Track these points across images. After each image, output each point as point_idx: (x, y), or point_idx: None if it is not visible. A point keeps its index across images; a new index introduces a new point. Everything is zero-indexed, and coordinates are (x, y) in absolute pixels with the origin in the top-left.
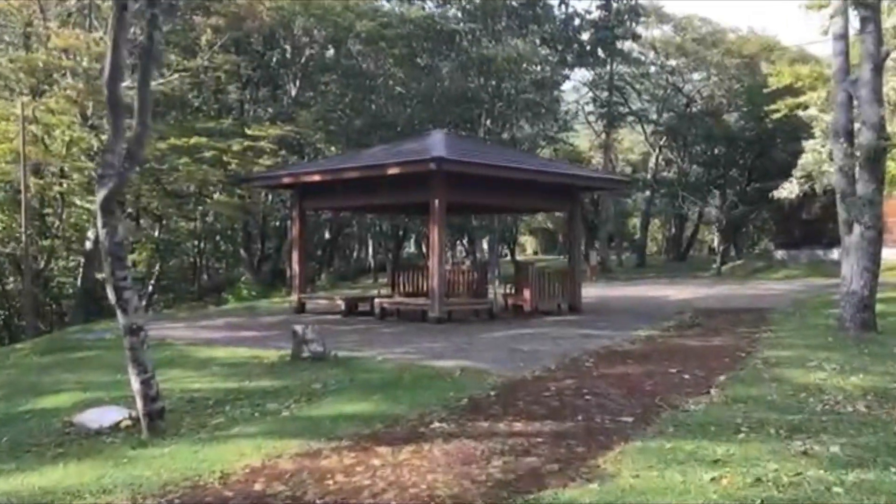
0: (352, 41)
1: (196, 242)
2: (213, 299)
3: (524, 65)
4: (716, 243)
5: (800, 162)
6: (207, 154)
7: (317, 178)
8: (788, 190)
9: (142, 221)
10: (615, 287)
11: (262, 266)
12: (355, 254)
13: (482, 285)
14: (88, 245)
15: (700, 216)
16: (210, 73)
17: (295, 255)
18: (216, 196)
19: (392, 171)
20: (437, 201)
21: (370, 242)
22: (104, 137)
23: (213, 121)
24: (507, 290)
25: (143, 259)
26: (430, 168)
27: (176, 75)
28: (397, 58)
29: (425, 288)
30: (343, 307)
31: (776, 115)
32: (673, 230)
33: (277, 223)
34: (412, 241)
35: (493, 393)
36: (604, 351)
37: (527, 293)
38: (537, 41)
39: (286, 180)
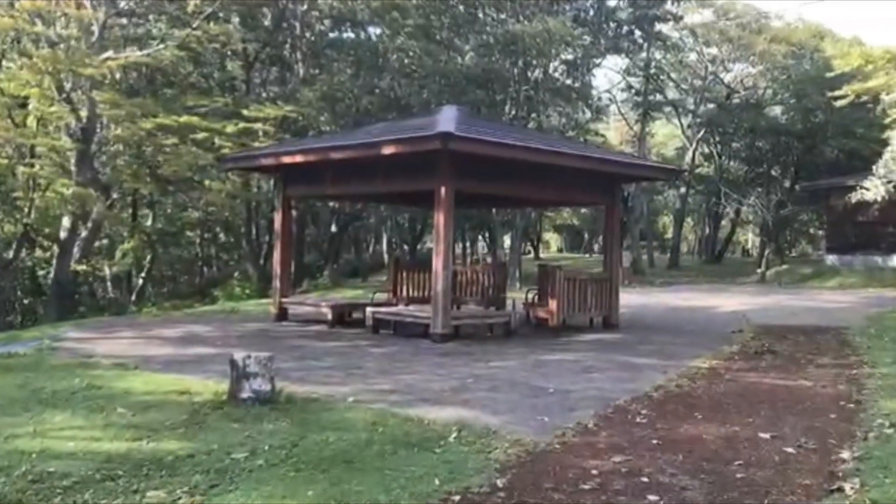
0: (361, 8)
1: (199, 232)
2: (210, 296)
3: (554, 45)
4: (752, 245)
5: (884, 156)
6: (199, 135)
7: (299, 158)
8: (872, 192)
9: (128, 209)
10: (652, 293)
11: (267, 260)
12: (370, 248)
13: (500, 290)
14: (63, 234)
15: (737, 215)
16: (207, 46)
17: (276, 254)
18: (207, 183)
19: (388, 150)
20: (443, 189)
21: (384, 236)
22: (84, 113)
23: (206, 98)
24: (530, 299)
25: (129, 249)
26: (435, 147)
27: (162, 45)
28: (412, 30)
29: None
30: (329, 316)
31: (841, 102)
32: (707, 230)
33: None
34: (433, 234)
35: (500, 483)
36: (659, 395)
37: (553, 304)
38: (568, 23)
39: (265, 162)
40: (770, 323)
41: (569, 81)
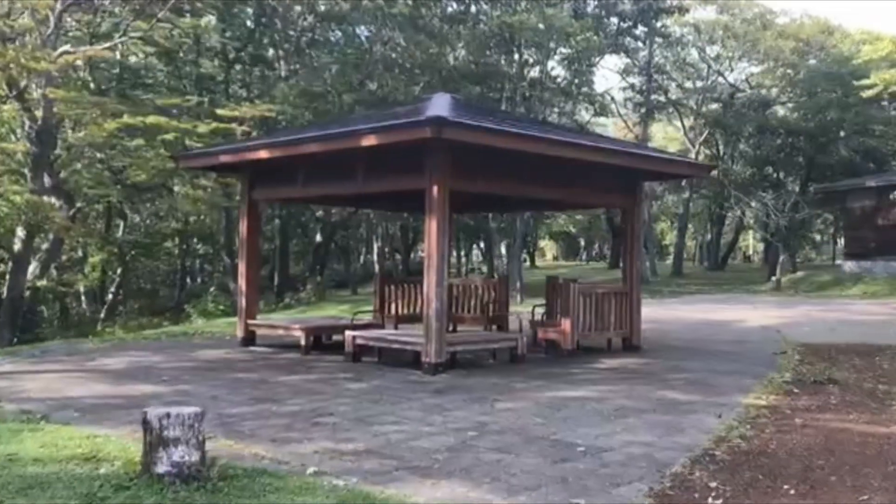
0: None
1: (177, 242)
2: (182, 313)
3: (554, 37)
4: (753, 251)
5: None
6: (168, 136)
7: (264, 154)
8: None
9: (102, 219)
10: (664, 305)
11: None
12: (361, 257)
13: (502, 307)
14: (17, 246)
15: (741, 220)
16: (179, 42)
17: (241, 266)
18: (177, 189)
19: (369, 141)
20: (435, 189)
21: (375, 243)
22: (39, 113)
23: (178, 97)
24: (537, 317)
25: (97, 262)
26: (425, 136)
27: (125, 37)
28: (400, 19)
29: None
30: (303, 341)
31: (868, 93)
32: (710, 236)
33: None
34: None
35: None
36: (724, 453)
37: (566, 324)
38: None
39: (225, 159)
40: (810, 341)
41: (569, 77)
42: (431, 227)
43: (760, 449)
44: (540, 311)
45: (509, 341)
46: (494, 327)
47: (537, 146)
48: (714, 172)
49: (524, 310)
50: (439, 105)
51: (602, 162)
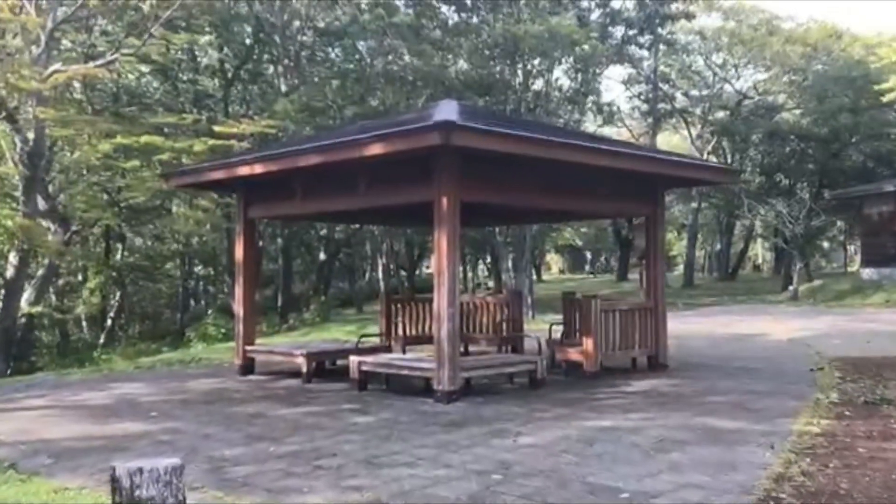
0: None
1: (178, 264)
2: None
3: (559, 46)
4: (762, 260)
5: None
6: (164, 156)
7: (259, 169)
8: None
9: (101, 243)
10: (683, 318)
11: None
12: (366, 274)
13: (517, 326)
14: (10, 272)
15: (751, 229)
16: (175, 59)
17: (238, 290)
18: (175, 210)
19: (373, 150)
20: (444, 200)
21: (380, 261)
22: (30, 135)
23: (174, 115)
24: (555, 335)
25: (95, 286)
26: (434, 143)
27: (117, 54)
28: (401, 28)
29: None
30: (304, 368)
31: (889, 97)
32: (719, 245)
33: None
34: (432, 259)
35: None
36: (788, 495)
37: (588, 343)
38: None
39: (217, 175)
40: (845, 355)
41: (575, 85)
42: (441, 241)
43: (831, 489)
44: (557, 328)
45: (528, 364)
46: (509, 348)
47: (554, 151)
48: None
49: (536, 327)
50: (447, 111)
51: (622, 168)
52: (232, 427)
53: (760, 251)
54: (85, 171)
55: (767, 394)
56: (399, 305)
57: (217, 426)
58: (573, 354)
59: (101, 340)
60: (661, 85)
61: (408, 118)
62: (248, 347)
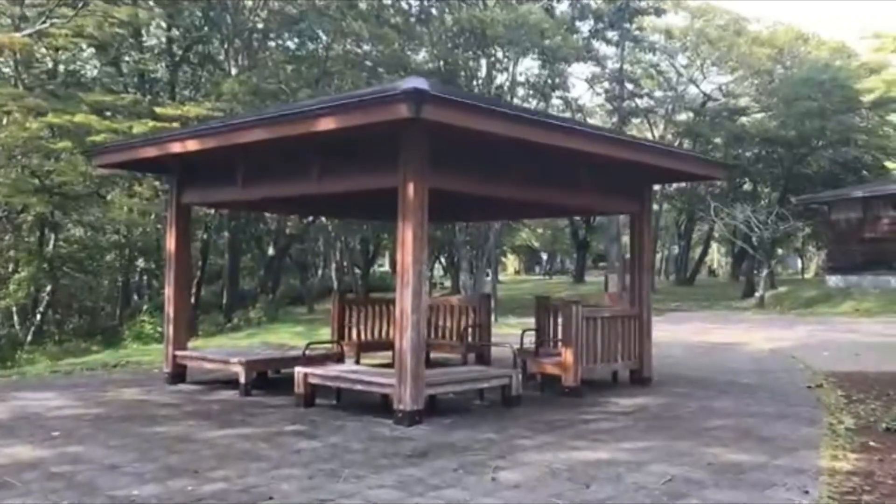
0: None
1: (117, 256)
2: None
3: (527, 34)
4: (717, 265)
5: None
6: (99, 138)
7: (193, 146)
8: None
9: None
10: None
11: (200, 289)
12: (319, 271)
13: (485, 333)
14: None
15: (710, 234)
16: (114, 34)
17: (168, 288)
18: (110, 197)
19: (327, 124)
20: (410, 187)
21: (333, 258)
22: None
23: (112, 95)
24: (526, 345)
25: (24, 278)
26: (400, 115)
27: (48, 23)
28: (360, 11)
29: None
30: (243, 378)
31: (870, 97)
32: (677, 249)
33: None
34: (387, 256)
35: None
36: None
37: (568, 355)
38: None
39: (146, 153)
40: (837, 369)
41: (543, 76)
42: (406, 235)
43: None
44: (529, 334)
45: (501, 379)
46: (473, 357)
47: (540, 133)
48: (685, 184)
49: (501, 332)
50: (416, 83)
51: (615, 157)
52: (147, 455)
53: (716, 256)
54: (12, 153)
55: (773, 417)
56: (353, 307)
57: (129, 453)
58: (549, 367)
59: (29, 338)
60: (626, 84)
61: (368, 91)
62: (179, 353)
